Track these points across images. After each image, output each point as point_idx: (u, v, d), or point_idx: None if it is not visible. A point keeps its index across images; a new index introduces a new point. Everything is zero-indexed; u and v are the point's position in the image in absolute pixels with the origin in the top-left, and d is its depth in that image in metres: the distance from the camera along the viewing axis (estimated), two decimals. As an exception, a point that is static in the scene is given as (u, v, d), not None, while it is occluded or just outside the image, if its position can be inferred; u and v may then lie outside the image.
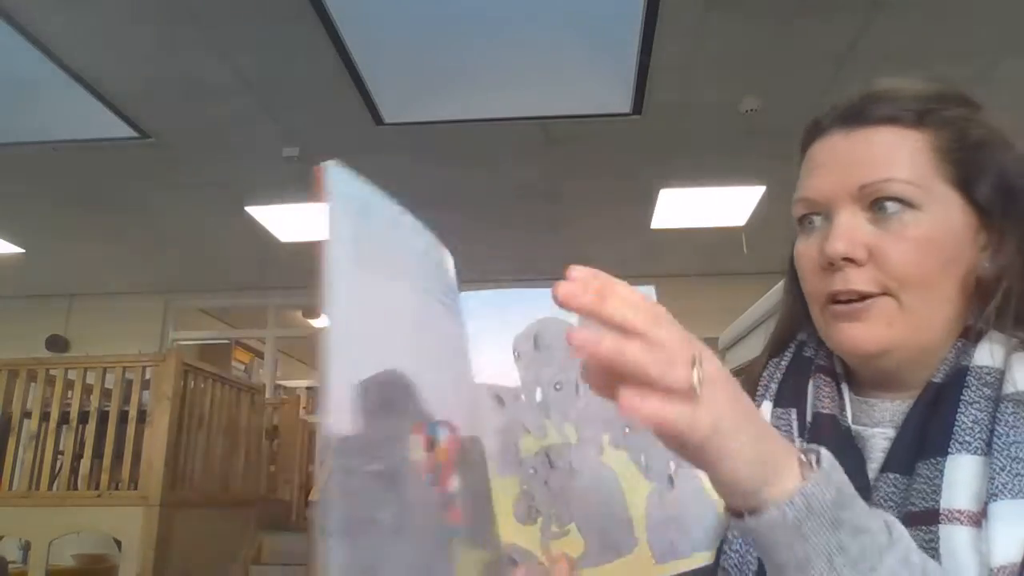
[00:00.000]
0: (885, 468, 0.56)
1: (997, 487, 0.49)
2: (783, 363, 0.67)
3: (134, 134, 3.95)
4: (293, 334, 8.08)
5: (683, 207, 4.98)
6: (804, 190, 0.61)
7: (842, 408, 0.62)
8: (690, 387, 0.37)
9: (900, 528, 0.44)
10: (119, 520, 3.77)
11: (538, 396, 0.57)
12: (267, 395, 5.97)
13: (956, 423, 0.53)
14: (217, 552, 4.46)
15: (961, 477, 0.51)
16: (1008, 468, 0.49)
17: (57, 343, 6.71)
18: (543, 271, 6.39)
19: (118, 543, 3.85)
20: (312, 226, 5.24)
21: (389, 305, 0.42)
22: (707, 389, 0.38)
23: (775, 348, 0.70)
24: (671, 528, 0.54)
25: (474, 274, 7.48)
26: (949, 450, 0.52)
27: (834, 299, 0.58)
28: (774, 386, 0.66)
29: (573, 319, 0.39)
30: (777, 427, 0.61)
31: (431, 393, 0.42)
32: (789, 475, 0.41)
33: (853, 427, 0.61)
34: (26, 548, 4.03)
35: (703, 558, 0.55)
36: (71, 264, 6.11)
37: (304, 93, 3.61)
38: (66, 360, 4.95)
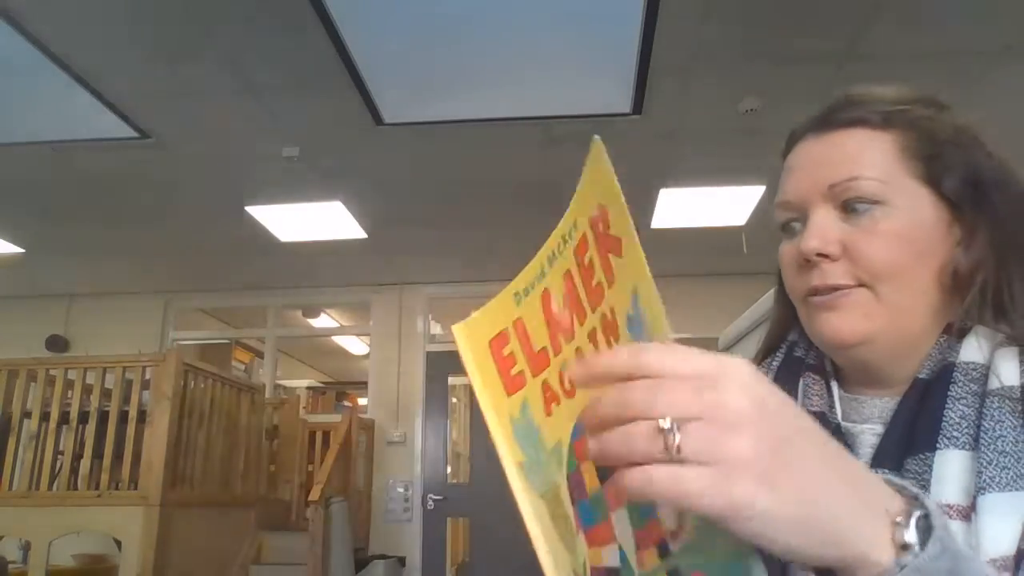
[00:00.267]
0: (874, 464, 0.57)
1: (985, 481, 0.50)
2: (774, 363, 0.69)
3: (134, 134, 3.95)
4: (293, 334, 8.08)
5: (683, 207, 4.99)
6: (781, 194, 0.65)
7: (831, 405, 0.64)
8: (668, 456, 0.33)
9: None
10: (119, 520, 3.77)
11: None
12: (267, 395, 5.97)
13: (944, 419, 0.54)
14: (217, 552, 4.46)
15: (950, 472, 0.52)
16: (996, 462, 0.50)
17: (57, 343, 6.71)
18: (543, 271, 6.39)
19: (118, 543, 3.85)
20: (312, 226, 5.25)
21: None
22: (746, 461, 0.33)
23: (767, 351, 0.72)
24: None
25: (474, 274, 7.55)
26: (937, 445, 0.53)
27: (814, 293, 0.61)
28: None
29: None
30: None
31: None
32: (880, 543, 0.35)
33: (843, 424, 0.62)
34: (26, 548, 4.03)
35: None
36: (71, 264, 6.11)
37: (304, 93, 3.61)
38: (66, 360, 4.95)
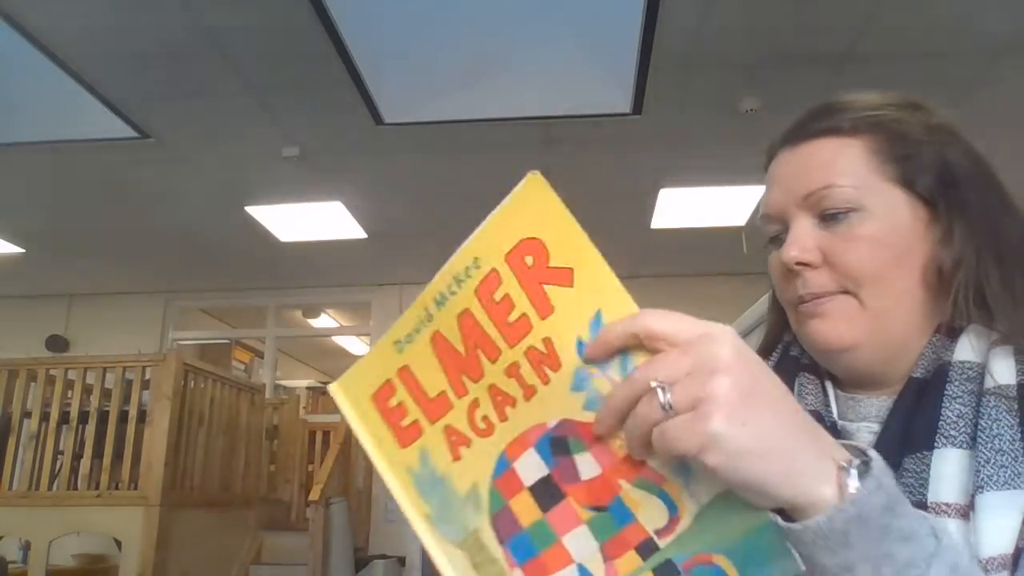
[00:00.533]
0: None
1: (983, 479, 0.50)
2: (770, 363, 0.70)
3: (134, 134, 3.95)
4: (293, 334, 8.08)
5: (683, 207, 4.99)
6: (762, 208, 0.66)
7: (827, 404, 0.64)
8: (665, 414, 0.40)
9: (950, 536, 0.43)
10: (119, 520, 3.77)
11: None
12: (267, 395, 5.97)
13: (941, 417, 0.54)
14: (217, 552, 4.46)
15: (948, 470, 0.52)
16: (993, 460, 0.50)
17: (57, 343, 6.71)
18: (543, 271, 6.39)
19: (118, 543, 3.85)
20: (312, 226, 5.25)
21: None
22: (723, 400, 0.39)
23: (764, 351, 0.73)
24: None
25: (474, 274, 7.48)
26: (935, 444, 0.54)
27: (800, 301, 0.62)
28: None
29: None
30: None
31: None
32: (828, 482, 0.40)
33: (838, 422, 0.63)
34: (26, 548, 4.03)
35: None
36: (71, 264, 6.11)
37: (304, 93, 3.61)
38: (66, 360, 4.95)
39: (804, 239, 0.61)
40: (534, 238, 0.46)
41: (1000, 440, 0.51)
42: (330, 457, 4.97)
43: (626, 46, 3.21)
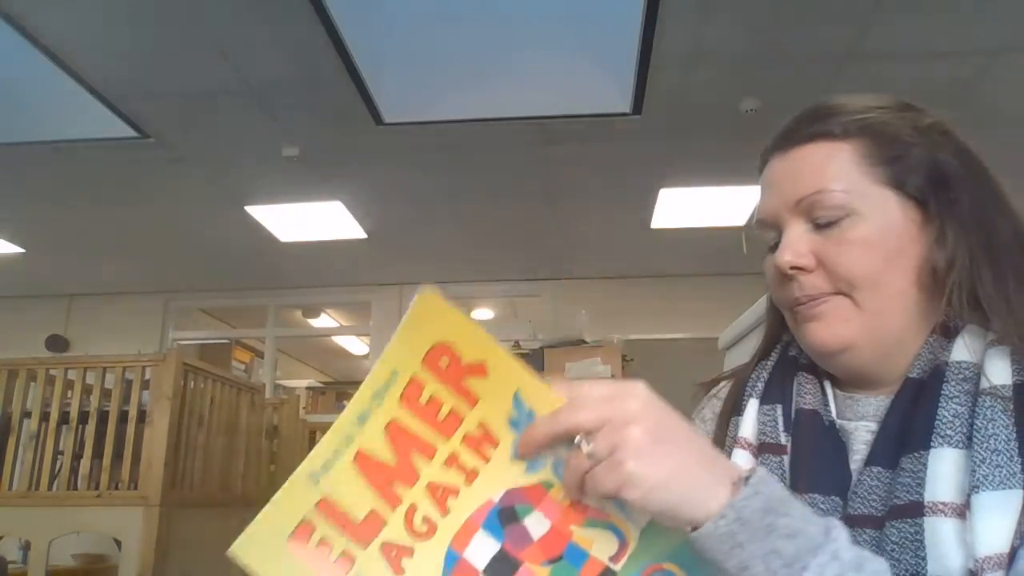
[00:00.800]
0: (869, 462, 0.58)
1: (979, 479, 0.50)
2: (769, 363, 0.71)
3: (134, 134, 3.95)
4: (293, 334, 8.08)
5: (683, 207, 4.99)
6: (757, 213, 0.67)
7: (825, 404, 0.65)
8: (592, 461, 0.47)
9: (841, 531, 0.46)
10: (119, 520, 3.77)
11: None
12: (267, 395, 5.97)
13: (937, 417, 0.55)
14: (217, 552, 4.45)
15: (944, 470, 0.52)
16: (989, 460, 0.51)
17: (57, 343, 6.70)
18: (543, 271, 6.40)
19: (118, 543, 3.85)
20: (312, 226, 5.24)
21: None
22: (632, 447, 0.45)
23: (763, 352, 0.74)
24: None
25: (474, 274, 7.52)
26: (931, 444, 0.54)
27: (797, 304, 0.63)
28: (760, 385, 0.69)
29: None
30: (763, 423, 0.65)
31: None
32: (722, 494, 0.46)
33: (837, 421, 0.64)
34: (26, 548, 4.03)
35: None
36: (71, 264, 6.11)
37: (304, 93, 3.61)
38: (66, 360, 4.94)
39: (797, 244, 0.62)
40: (443, 342, 0.51)
41: (995, 440, 0.51)
42: (330, 457, 4.95)
43: (626, 46, 3.21)
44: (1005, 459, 0.50)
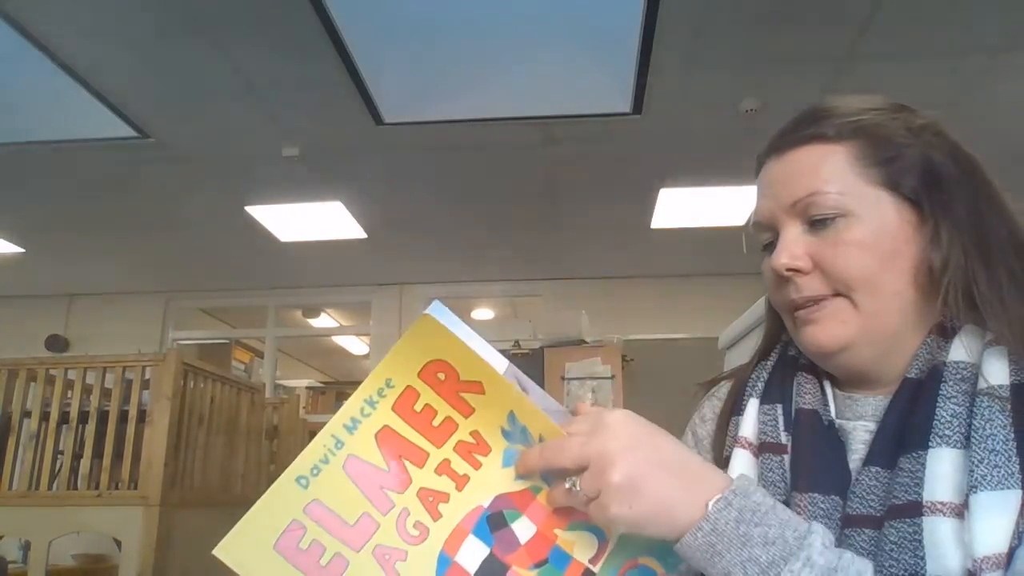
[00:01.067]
0: (868, 462, 0.58)
1: (977, 479, 0.50)
2: (769, 363, 0.72)
3: (134, 134, 3.95)
4: (293, 334, 8.08)
5: (683, 207, 4.98)
6: (753, 216, 0.68)
7: (824, 403, 0.65)
8: (577, 499, 0.51)
9: (818, 536, 0.49)
10: (119, 520, 3.77)
11: None
12: (267, 395, 5.97)
13: (936, 417, 0.55)
14: (217, 552, 4.45)
15: (942, 470, 0.53)
16: (987, 460, 0.51)
17: (57, 343, 6.70)
18: (543, 271, 6.40)
19: (118, 543, 3.85)
20: (312, 226, 5.24)
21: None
22: (614, 492, 0.50)
23: (763, 352, 0.74)
24: None
25: (474, 274, 7.51)
26: (930, 444, 0.54)
27: (795, 306, 0.63)
28: (761, 384, 0.70)
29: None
30: (764, 422, 0.66)
31: None
32: (699, 510, 0.50)
33: (836, 421, 0.64)
34: (26, 548, 4.03)
35: None
36: (71, 264, 6.11)
37: (304, 93, 3.61)
38: (66, 360, 4.94)
39: (793, 246, 0.62)
40: (440, 360, 0.52)
41: (993, 440, 0.51)
42: (330, 457, 4.95)
43: (626, 46, 3.21)
44: (1003, 459, 0.51)
